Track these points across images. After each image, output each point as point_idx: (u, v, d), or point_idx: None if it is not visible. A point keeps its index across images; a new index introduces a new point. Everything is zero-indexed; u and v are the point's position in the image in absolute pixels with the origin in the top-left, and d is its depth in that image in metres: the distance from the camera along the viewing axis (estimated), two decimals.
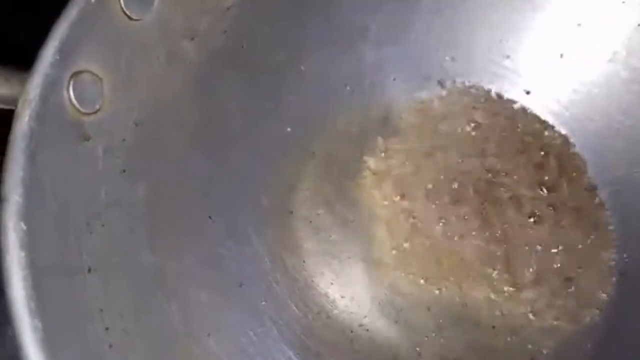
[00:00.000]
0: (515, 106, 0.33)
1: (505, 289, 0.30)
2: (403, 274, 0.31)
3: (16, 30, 0.26)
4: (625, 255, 0.31)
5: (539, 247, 0.31)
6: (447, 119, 0.33)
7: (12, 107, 0.22)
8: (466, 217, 0.31)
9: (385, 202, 0.32)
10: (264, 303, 0.29)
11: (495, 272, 0.31)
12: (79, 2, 0.23)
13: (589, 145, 0.32)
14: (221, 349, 0.27)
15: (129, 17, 0.25)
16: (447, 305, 0.30)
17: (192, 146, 0.29)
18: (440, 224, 0.31)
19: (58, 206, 0.22)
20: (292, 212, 0.31)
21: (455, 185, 0.32)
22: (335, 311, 0.30)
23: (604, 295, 0.31)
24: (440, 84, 0.33)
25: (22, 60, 0.22)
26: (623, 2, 0.31)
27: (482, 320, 0.30)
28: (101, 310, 0.22)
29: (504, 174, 0.32)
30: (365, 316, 0.30)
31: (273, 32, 0.30)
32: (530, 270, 0.30)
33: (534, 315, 0.30)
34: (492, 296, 0.30)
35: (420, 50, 0.33)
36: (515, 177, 0.32)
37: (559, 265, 0.31)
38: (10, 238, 0.19)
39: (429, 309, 0.31)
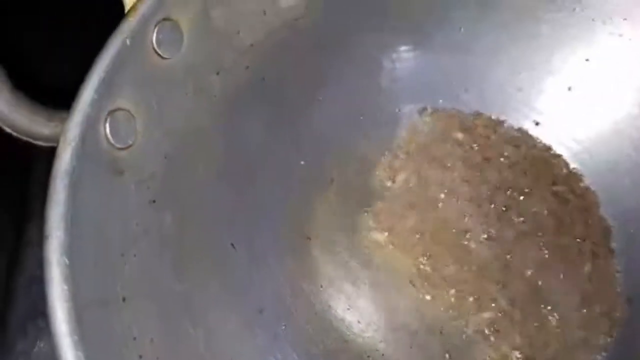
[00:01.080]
0: (525, 137, 0.34)
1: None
2: (416, 299, 0.32)
3: (53, 70, 0.28)
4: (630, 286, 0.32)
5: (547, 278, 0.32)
6: (458, 148, 0.34)
7: (54, 145, 0.23)
8: (476, 248, 0.32)
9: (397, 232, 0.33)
10: (283, 328, 0.30)
11: (504, 299, 0.32)
12: (115, 44, 0.24)
13: (597, 177, 0.33)
14: None
15: (161, 57, 0.26)
16: (459, 330, 0.32)
17: (217, 177, 0.30)
18: (453, 254, 0.32)
19: (96, 239, 0.23)
20: (309, 239, 0.33)
21: (467, 219, 0.33)
22: (352, 336, 0.31)
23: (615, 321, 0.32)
24: (454, 114, 0.34)
25: (60, 101, 0.24)
26: (630, 40, 0.32)
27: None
28: (134, 338, 0.23)
29: (514, 203, 0.33)
30: (381, 341, 0.31)
31: (292, 67, 0.31)
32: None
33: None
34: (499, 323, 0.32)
35: (434, 82, 0.34)
36: (525, 207, 0.33)
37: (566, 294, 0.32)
38: (54, 273, 0.21)
39: (441, 333, 0.32)
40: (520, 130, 0.34)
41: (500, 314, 0.31)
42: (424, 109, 0.34)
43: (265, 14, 0.30)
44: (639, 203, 0.32)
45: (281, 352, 0.30)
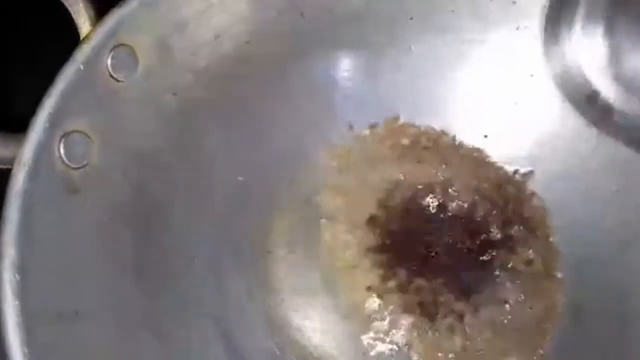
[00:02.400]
0: (474, 150, 0.36)
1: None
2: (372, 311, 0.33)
3: (12, 94, 0.29)
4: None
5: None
6: (404, 159, 0.35)
7: (10, 167, 0.24)
8: (426, 260, 0.34)
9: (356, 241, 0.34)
10: (243, 339, 0.31)
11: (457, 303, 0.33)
12: (69, 70, 0.26)
13: (544, 188, 0.35)
14: None
15: (116, 80, 0.28)
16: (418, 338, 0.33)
17: (176, 192, 0.31)
18: (404, 267, 0.34)
19: (50, 256, 0.24)
20: (270, 252, 0.34)
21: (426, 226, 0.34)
22: (311, 348, 0.32)
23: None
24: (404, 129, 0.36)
25: (18, 126, 0.25)
26: None
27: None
28: (87, 349, 0.24)
29: (460, 212, 0.35)
30: (336, 349, 0.32)
31: (247, 86, 0.33)
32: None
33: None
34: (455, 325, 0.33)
35: (386, 99, 0.35)
36: (471, 216, 0.35)
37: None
38: (5, 289, 0.22)
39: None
40: (468, 144, 0.36)
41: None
42: (375, 124, 0.35)
43: (216, 38, 0.31)
44: (585, 214, 0.33)
45: None
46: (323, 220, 0.35)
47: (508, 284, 0.34)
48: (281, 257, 0.34)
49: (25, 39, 0.32)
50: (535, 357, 0.33)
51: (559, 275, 0.34)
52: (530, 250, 0.34)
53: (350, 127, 0.35)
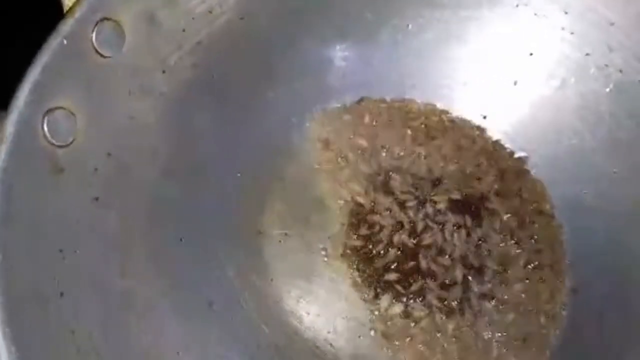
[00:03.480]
0: (473, 128, 0.35)
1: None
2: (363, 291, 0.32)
3: None
4: (576, 272, 0.33)
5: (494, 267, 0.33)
6: (404, 140, 0.35)
7: None
8: (423, 235, 0.33)
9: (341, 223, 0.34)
10: (233, 321, 0.31)
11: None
12: (52, 45, 0.25)
13: (542, 164, 0.34)
14: None
15: (102, 56, 0.27)
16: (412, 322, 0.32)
17: (164, 173, 0.30)
18: (399, 245, 0.33)
19: (33, 235, 0.23)
20: (260, 232, 0.33)
21: (412, 203, 0.33)
22: (302, 328, 0.32)
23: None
24: (402, 107, 0.35)
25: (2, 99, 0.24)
26: (572, 34, 0.33)
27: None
28: (72, 332, 0.24)
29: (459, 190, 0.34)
30: (329, 332, 0.32)
31: (241, 65, 0.32)
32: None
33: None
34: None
35: (382, 78, 0.34)
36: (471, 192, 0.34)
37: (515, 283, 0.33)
38: None
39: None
40: (467, 122, 0.35)
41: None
42: (370, 103, 0.35)
43: (211, 12, 0.30)
44: (581, 191, 0.33)
45: (232, 344, 0.30)
46: (315, 202, 0.34)
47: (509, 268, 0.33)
48: (273, 239, 0.33)
49: (8, 12, 0.31)
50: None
51: (562, 257, 0.33)
52: (530, 231, 0.34)
53: (344, 107, 0.34)
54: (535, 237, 0.34)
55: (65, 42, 0.25)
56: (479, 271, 0.33)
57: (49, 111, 0.25)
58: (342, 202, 0.34)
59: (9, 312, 0.21)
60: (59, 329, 0.23)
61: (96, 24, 0.26)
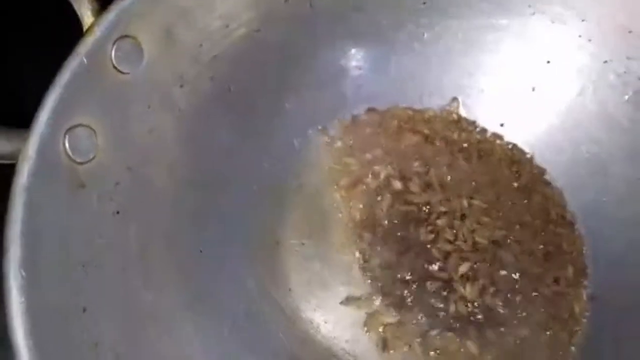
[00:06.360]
0: (490, 135, 0.35)
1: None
2: (379, 301, 0.32)
3: (15, 90, 0.29)
4: (595, 280, 0.32)
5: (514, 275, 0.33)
6: (422, 148, 0.35)
7: (14, 162, 0.24)
8: (438, 245, 0.33)
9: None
10: (252, 331, 0.31)
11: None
12: (72, 64, 0.25)
13: (561, 173, 0.34)
14: None
15: (121, 72, 0.27)
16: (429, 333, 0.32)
17: (184, 186, 0.31)
18: (415, 258, 0.33)
19: (55, 251, 0.24)
20: (278, 243, 0.33)
21: (439, 213, 0.33)
22: (319, 337, 0.32)
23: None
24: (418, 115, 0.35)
25: (22, 121, 0.25)
26: (589, 41, 0.32)
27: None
28: (95, 344, 0.24)
29: (479, 200, 0.34)
30: (347, 340, 0.32)
31: (257, 77, 0.32)
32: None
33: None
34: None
35: (398, 87, 0.34)
36: (490, 205, 0.34)
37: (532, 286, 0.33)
38: (11, 284, 0.22)
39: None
40: (484, 131, 0.35)
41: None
42: (386, 113, 0.35)
43: (227, 27, 0.31)
44: (600, 198, 0.33)
45: (251, 355, 0.31)
46: (332, 212, 0.34)
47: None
48: (290, 249, 0.33)
49: (28, 33, 0.32)
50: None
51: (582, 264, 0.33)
52: (549, 238, 0.33)
53: (361, 116, 0.34)
54: (555, 245, 0.34)
55: (85, 60, 0.25)
56: (499, 277, 0.33)
57: (70, 129, 0.25)
58: (359, 211, 0.34)
59: (32, 326, 0.22)
60: (81, 343, 0.24)
61: (115, 42, 0.27)
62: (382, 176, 0.35)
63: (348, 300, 0.33)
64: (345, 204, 0.34)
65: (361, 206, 0.34)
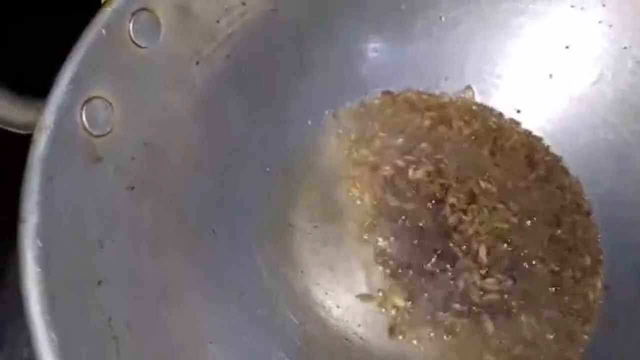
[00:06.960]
0: (506, 122, 0.35)
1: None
2: (392, 285, 0.32)
3: (32, 60, 0.28)
4: (610, 269, 0.32)
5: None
6: (437, 133, 0.34)
7: (30, 132, 0.24)
8: (453, 232, 0.33)
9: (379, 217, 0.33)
10: (263, 312, 0.31)
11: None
12: (90, 35, 0.25)
13: (577, 160, 0.34)
14: (223, 355, 0.29)
15: (138, 46, 0.27)
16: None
17: (197, 164, 0.30)
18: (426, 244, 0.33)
19: (72, 224, 0.24)
20: (291, 225, 0.33)
21: (452, 199, 0.33)
22: (331, 320, 0.32)
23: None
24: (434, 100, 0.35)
25: (39, 88, 0.24)
26: (610, 26, 0.32)
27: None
28: (109, 319, 0.24)
29: (494, 187, 0.34)
30: (359, 325, 0.32)
31: (272, 56, 0.32)
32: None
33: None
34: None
35: (415, 70, 0.34)
36: (505, 192, 0.33)
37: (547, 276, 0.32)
38: (27, 255, 0.21)
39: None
40: (501, 116, 0.34)
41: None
42: (401, 95, 0.34)
43: (244, 4, 0.30)
44: (617, 186, 0.32)
45: (262, 335, 0.30)
46: (345, 195, 0.34)
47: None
48: (303, 232, 0.33)
49: (46, 4, 0.32)
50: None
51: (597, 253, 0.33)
52: (566, 227, 0.33)
53: (377, 100, 0.34)
54: (571, 232, 0.33)
55: (103, 32, 0.25)
56: (514, 264, 0.33)
57: (87, 101, 0.25)
58: (372, 195, 0.34)
59: (49, 301, 0.21)
60: (97, 318, 0.23)
61: (133, 15, 0.26)
62: (395, 162, 0.34)
63: (361, 285, 0.32)
64: (358, 189, 0.34)
65: (374, 191, 0.34)
